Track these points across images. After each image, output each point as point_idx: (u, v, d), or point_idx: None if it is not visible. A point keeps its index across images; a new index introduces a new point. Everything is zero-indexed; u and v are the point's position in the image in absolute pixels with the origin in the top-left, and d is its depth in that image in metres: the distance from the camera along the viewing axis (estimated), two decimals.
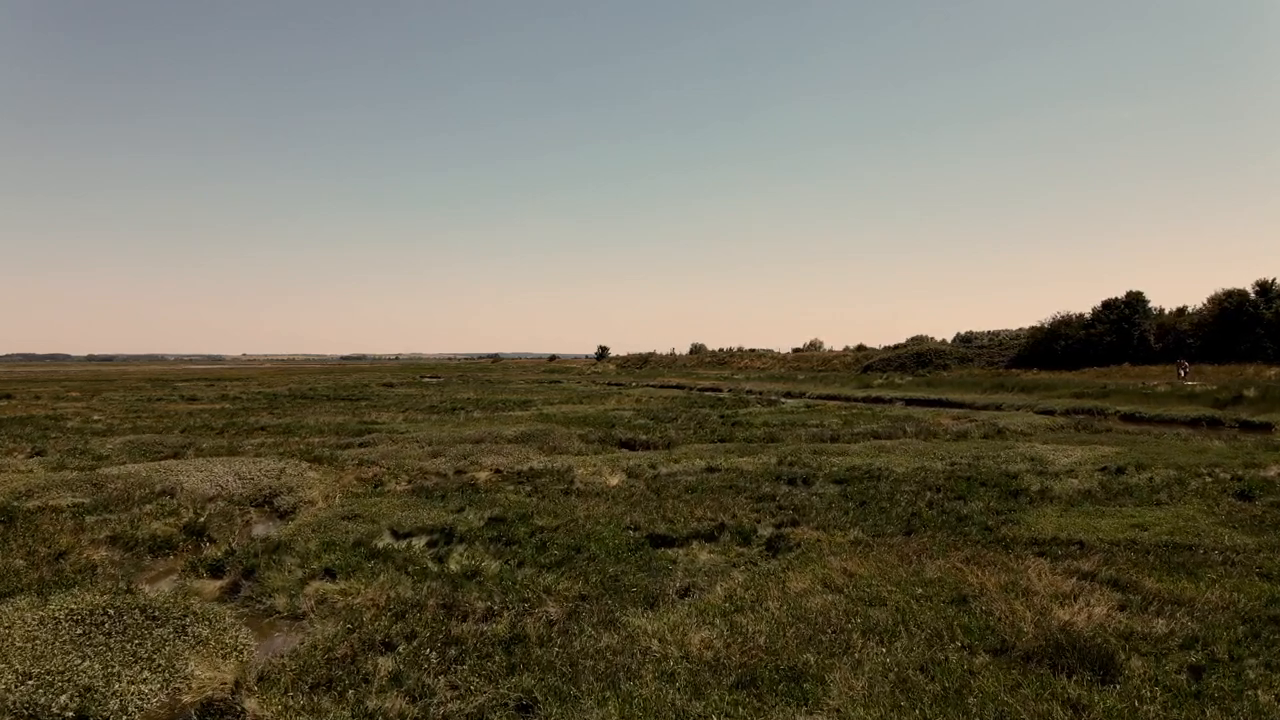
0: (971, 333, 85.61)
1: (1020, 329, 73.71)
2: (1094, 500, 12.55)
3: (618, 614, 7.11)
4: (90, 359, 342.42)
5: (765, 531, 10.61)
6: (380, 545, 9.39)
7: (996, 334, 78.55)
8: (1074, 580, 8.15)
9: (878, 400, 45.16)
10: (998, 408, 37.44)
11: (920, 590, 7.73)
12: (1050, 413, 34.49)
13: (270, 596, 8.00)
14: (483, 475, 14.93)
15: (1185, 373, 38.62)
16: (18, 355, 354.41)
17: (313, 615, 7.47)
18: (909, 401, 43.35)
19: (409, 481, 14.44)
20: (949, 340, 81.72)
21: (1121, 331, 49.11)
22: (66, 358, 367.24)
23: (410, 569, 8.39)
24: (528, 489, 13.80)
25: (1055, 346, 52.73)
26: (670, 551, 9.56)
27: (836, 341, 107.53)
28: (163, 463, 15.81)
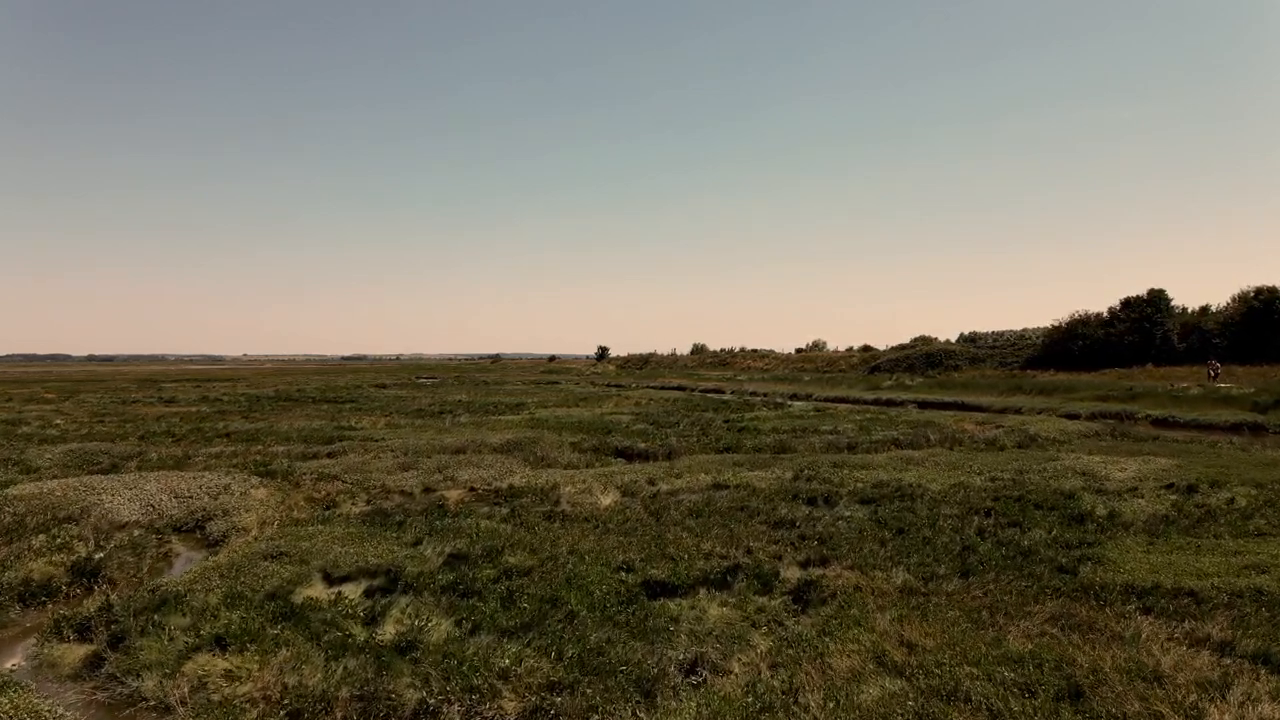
0: (975, 333, 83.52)
1: (1025, 329, 71.63)
2: (1177, 528, 10.50)
3: (598, 716, 5.09)
4: (90, 359, 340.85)
5: (789, 573, 8.58)
6: (300, 599, 7.37)
7: (1001, 334, 76.52)
8: (1208, 655, 6.12)
9: (889, 403, 43.09)
10: (1018, 411, 35.39)
11: (1010, 674, 5.69)
12: (1075, 416, 32.45)
13: (138, 676, 5.99)
14: (454, 494, 12.90)
15: (1216, 374, 36.53)
16: (18, 355, 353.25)
17: (183, 711, 5.47)
18: (921, 404, 41.30)
19: (367, 502, 12.43)
20: (953, 340, 79.65)
21: (1143, 331, 46.95)
22: (67, 358, 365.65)
23: (329, 636, 6.37)
24: (505, 511, 11.78)
25: (1073, 347, 50.57)
26: (672, 604, 7.54)
27: (837, 342, 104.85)
28: (88, 479, 13.81)
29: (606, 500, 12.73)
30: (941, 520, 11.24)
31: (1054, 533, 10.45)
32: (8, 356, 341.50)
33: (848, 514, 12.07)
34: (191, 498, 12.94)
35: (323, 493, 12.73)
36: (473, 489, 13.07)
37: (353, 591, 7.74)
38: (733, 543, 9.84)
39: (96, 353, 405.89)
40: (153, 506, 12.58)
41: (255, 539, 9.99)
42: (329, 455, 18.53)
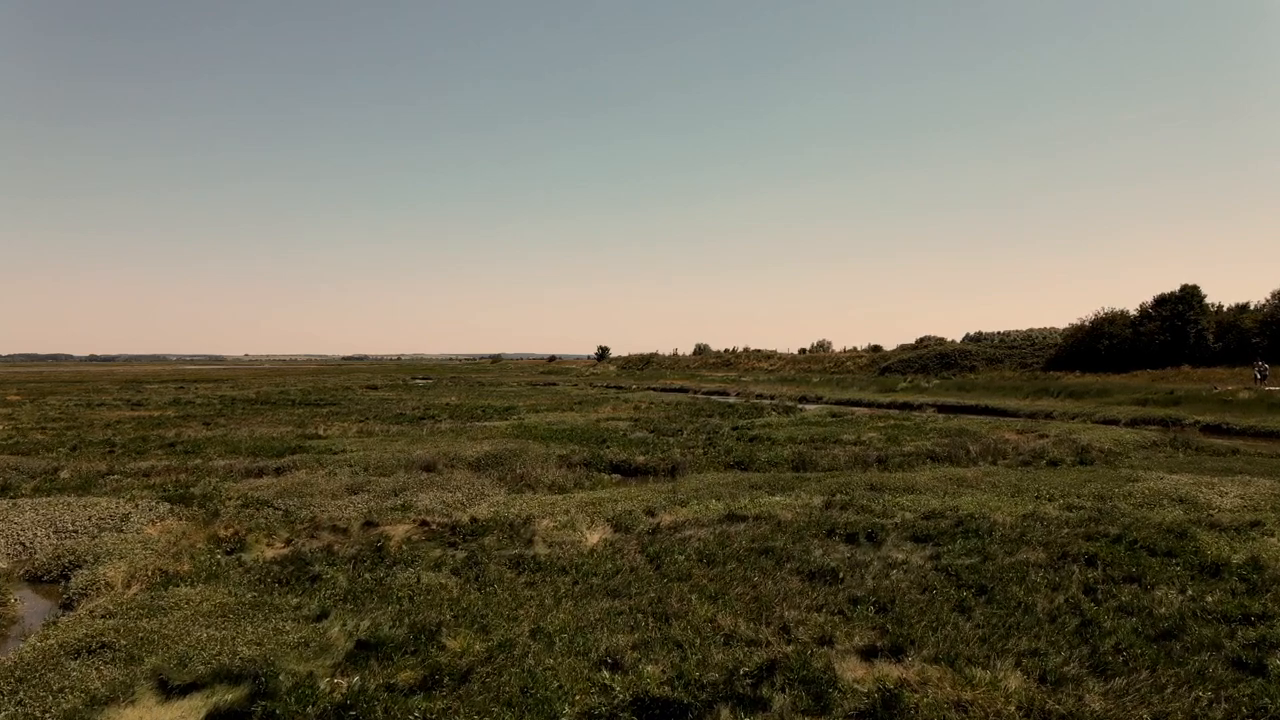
0: (981, 333, 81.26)
1: (1031, 329, 69.10)
2: None
3: None
4: (91, 359, 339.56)
5: (849, 669, 5.91)
6: None
7: (1007, 334, 74.14)
8: None
9: (906, 406, 40.42)
10: (1048, 415, 32.75)
11: None
12: (1113, 422, 29.85)
13: None
14: (400, 531, 10.22)
15: (1264, 376, 33.74)
16: (20, 355, 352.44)
17: None
18: (941, 408, 38.67)
19: (287, 541, 9.77)
20: (958, 340, 77.16)
21: (1176, 329, 44.11)
22: (68, 358, 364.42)
23: None
24: (460, 556, 9.12)
25: (1098, 346, 47.76)
26: None
27: (840, 342, 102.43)
28: None
29: (594, 538, 10.07)
30: (1029, 571, 8.57)
31: (1189, 592, 7.80)
32: (9, 356, 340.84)
33: (900, 557, 9.42)
34: (75, 533, 10.31)
35: (231, 530, 10.05)
36: (424, 523, 10.38)
37: (189, 716, 5.07)
38: (761, 612, 7.17)
39: (99, 353, 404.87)
40: (23, 545, 9.96)
41: (115, 597, 7.33)
42: (276, 471, 15.91)
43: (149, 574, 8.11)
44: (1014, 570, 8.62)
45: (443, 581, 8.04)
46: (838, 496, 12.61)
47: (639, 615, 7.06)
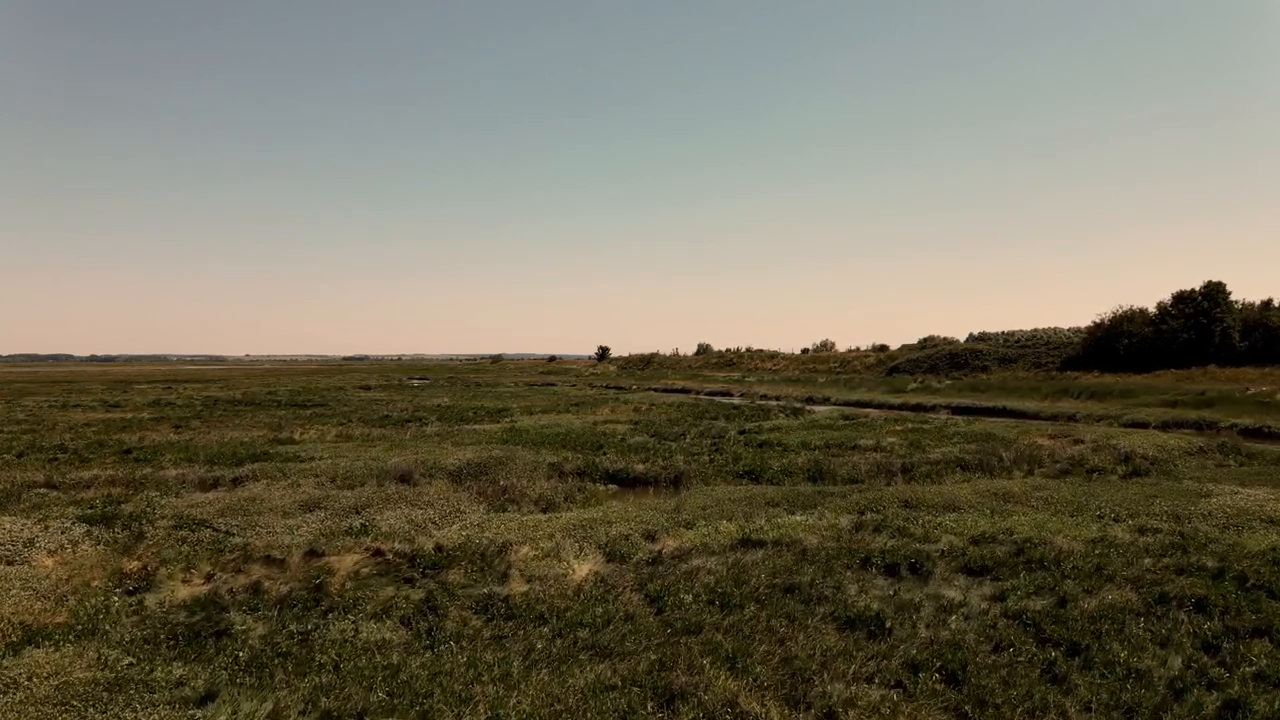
0: (985, 333, 79.63)
1: (1036, 329, 67.42)
2: None
3: None
4: (92, 359, 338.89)
5: None
6: None
7: (1011, 334, 72.50)
8: None
9: (918, 408, 38.70)
10: (1071, 418, 31.02)
11: None
12: (1143, 425, 28.12)
13: None
14: (348, 562, 8.49)
15: None
16: (20, 355, 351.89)
17: None
18: (955, 409, 36.93)
19: (207, 576, 8.05)
20: (962, 340, 75.45)
21: (1200, 328, 42.31)
22: (69, 358, 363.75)
23: None
24: (416, 598, 7.40)
25: (1117, 346, 45.96)
26: None
27: (842, 342, 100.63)
28: None
29: (581, 571, 8.34)
30: (1127, 622, 6.83)
31: None
32: (9, 357, 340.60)
33: (955, 596, 7.72)
34: None
35: (141, 562, 8.32)
36: (379, 552, 8.65)
37: None
38: (795, 685, 5.45)
39: (99, 353, 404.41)
40: None
41: None
42: (233, 482, 14.22)
43: (12, 626, 6.41)
44: (1105, 619, 6.90)
45: (386, 636, 6.33)
46: (868, 515, 10.87)
47: (635, 691, 5.34)
